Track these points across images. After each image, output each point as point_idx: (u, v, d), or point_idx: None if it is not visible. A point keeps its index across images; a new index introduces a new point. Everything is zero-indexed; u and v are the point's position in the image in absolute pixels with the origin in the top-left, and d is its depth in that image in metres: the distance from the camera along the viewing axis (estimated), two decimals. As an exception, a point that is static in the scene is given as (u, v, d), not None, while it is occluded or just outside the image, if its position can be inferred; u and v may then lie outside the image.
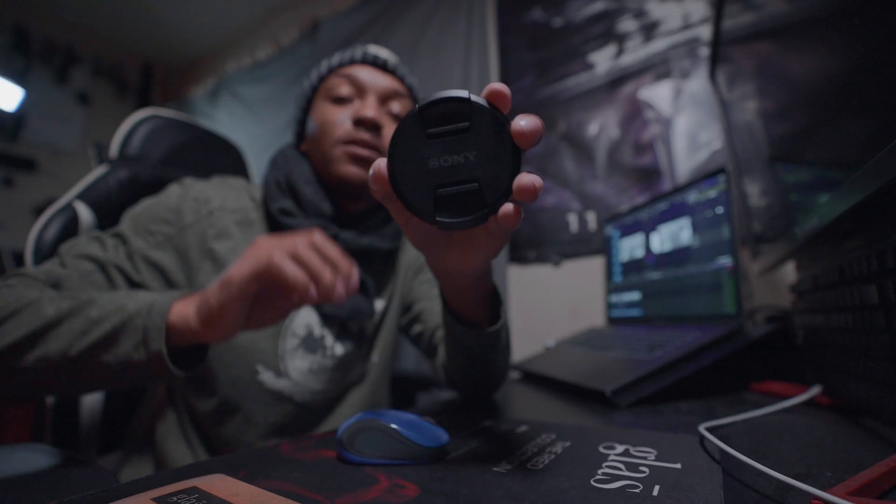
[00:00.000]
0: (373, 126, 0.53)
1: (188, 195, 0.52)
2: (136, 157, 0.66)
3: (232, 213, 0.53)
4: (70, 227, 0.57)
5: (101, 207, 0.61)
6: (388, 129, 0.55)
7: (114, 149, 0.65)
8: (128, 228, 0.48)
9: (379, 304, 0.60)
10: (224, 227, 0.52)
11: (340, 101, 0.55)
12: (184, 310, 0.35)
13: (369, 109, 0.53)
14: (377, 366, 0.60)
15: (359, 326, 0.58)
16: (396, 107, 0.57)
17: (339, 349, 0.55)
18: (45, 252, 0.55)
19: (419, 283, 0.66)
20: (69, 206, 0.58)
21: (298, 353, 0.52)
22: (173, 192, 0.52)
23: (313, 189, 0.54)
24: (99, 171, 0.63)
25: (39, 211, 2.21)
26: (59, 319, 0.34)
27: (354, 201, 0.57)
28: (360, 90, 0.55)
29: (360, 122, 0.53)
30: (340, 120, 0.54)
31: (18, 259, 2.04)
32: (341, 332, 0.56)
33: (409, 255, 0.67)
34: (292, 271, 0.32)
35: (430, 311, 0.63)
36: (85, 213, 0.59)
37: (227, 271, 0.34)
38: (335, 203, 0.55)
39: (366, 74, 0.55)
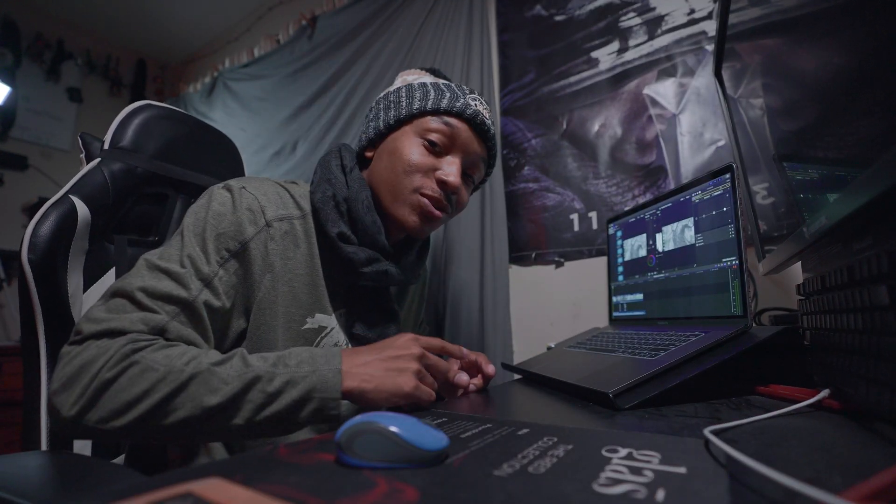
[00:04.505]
0: (452, 192, 0.55)
1: (241, 204, 0.49)
2: (129, 150, 0.65)
3: (280, 223, 0.52)
4: (67, 221, 0.56)
5: (94, 201, 0.60)
6: (461, 195, 0.57)
7: (107, 140, 0.64)
8: (195, 250, 0.46)
9: None
10: (279, 240, 0.51)
11: (432, 145, 0.55)
12: (349, 384, 0.41)
13: (455, 176, 0.54)
14: None
15: None
16: (475, 173, 0.59)
17: None
18: (41, 248, 0.53)
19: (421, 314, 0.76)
20: (65, 199, 0.57)
21: None
22: (224, 200, 0.49)
23: (372, 219, 0.54)
24: (92, 163, 0.62)
25: (30, 210, 2.19)
26: (236, 395, 0.39)
27: (397, 233, 0.60)
28: (453, 146, 0.56)
29: (443, 184, 0.54)
30: (426, 168, 0.54)
31: (6, 258, 2.04)
32: None
33: (416, 285, 0.73)
34: (427, 396, 0.42)
35: None
36: (81, 206, 0.58)
37: (370, 374, 0.41)
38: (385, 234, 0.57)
39: (464, 135, 0.56)
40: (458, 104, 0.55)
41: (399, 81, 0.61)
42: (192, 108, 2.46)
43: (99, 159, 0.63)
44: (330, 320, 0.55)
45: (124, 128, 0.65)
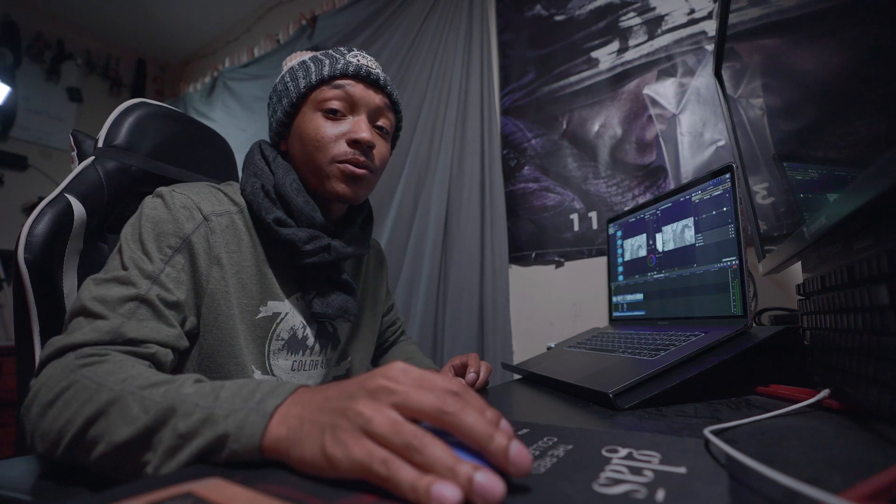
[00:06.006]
0: (367, 147, 0.55)
1: (175, 204, 0.49)
2: (124, 148, 0.64)
3: (219, 218, 0.52)
4: (63, 220, 0.55)
5: (90, 200, 0.59)
6: (378, 147, 0.58)
7: (101, 138, 0.63)
8: (136, 254, 0.46)
9: None
10: (221, 234, 0.51)
11: (332, 113, 0.55)
12: (276, 433, 0.26)
13: (365, 132, 0.54)
14: (358, 364, 0.67)
15: (333, 326, 0.62)
16: (383, 122, 0.59)
17: (318, 347, 0.60)
18: (37, 247, 0.53)
19: (386, 295, 0.77)
20: (61, 197, 0.56)
21: (283, 353, 0.56)
22: (156, 205, 0.49)
23: (304, 199, 0.55)
24: (86, 161, 0.61)
25: (30, 210, 2.19)
26: (148, 430, 0.30)
27: (336, 207, 0.60)
28: (353, 107, 0.56)
29: (355, 143, 0.55)
30: (334, 137, 0.55)
31: (6, 259, 2.03)
32: (319, 332, 0.60)
33: (370, 257, 0.73)
34: (409, 480, 0.21)
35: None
36: (77, 205, 0.57)
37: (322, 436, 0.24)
38: (321, 211, 0.57)
39: (359, 91, 0.56)
40: (340, 66, 0.56)
41: (283, 70, 0.61)
42: (192, 108, 2.45)
43: (93, 157, 0.61)
44: (283, 306, 0.56)
45: (118, 126, 0.64)
